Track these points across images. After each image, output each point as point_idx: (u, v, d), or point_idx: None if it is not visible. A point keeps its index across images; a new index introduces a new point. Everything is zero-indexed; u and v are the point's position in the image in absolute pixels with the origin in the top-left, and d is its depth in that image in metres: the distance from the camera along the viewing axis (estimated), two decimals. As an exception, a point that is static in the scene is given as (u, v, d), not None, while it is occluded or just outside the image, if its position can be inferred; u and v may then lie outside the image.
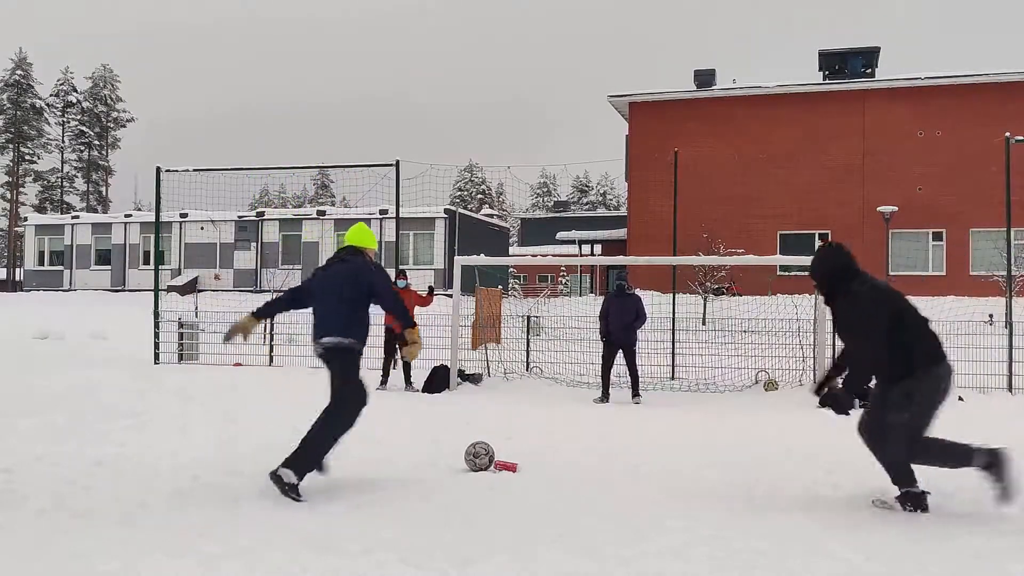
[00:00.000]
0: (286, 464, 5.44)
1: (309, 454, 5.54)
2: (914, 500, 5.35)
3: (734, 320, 15.16)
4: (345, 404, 5.66)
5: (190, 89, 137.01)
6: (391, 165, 13.47)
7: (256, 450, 7.08)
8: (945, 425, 8.82)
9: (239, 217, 36.93)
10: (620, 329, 11.31)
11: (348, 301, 5.69)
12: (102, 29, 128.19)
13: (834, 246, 5.78)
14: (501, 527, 4.82)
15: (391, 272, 13.00)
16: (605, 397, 11.23)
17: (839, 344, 12.02)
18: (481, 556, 4.29)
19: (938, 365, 5.48)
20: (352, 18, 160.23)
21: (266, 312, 6.07)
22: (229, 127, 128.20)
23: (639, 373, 11.48)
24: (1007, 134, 12.30)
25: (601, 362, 11.45)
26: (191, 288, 34.25)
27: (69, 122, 64.34)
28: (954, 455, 5.33)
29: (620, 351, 11.35)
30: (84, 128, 64.32)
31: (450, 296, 13.13)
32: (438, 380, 11.68)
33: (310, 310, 5.91)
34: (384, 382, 11.87)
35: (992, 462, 5.20)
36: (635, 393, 11.33)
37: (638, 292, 12.32)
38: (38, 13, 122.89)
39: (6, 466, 6.07)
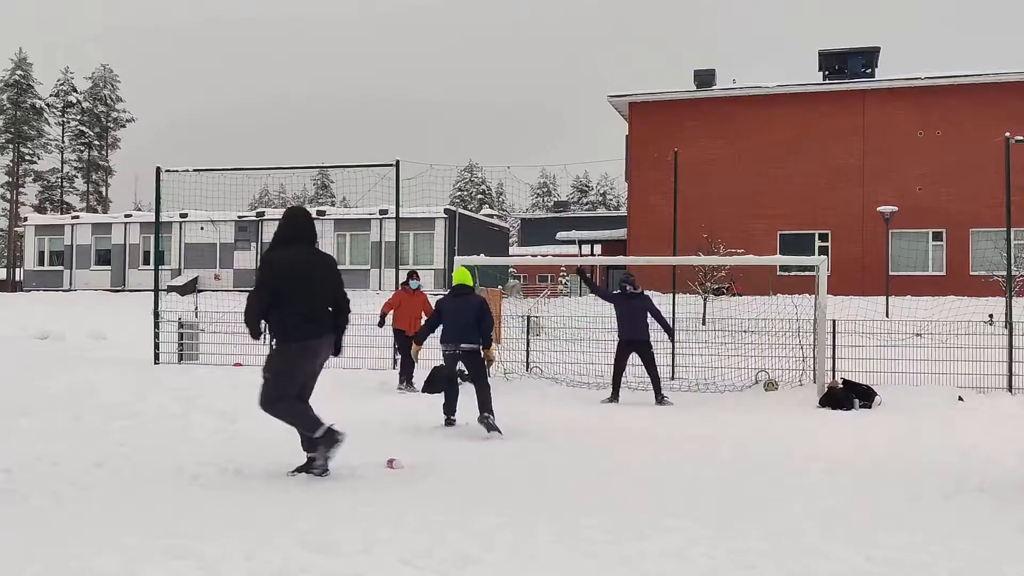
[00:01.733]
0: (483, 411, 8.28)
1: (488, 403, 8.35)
2: (326, 441, 6.04)
3: (734, 320, 15.16)
4: (485, 375, 8.70)
5: (190, 89, 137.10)
6: (391, 165, 13.45)
7: (256, 450, 7.09)
8: (945, 425, 8.84)
9: (239, 217, 36.91)
10: (634, 329, 11.23)
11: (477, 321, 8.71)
12: (102, 29, 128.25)
13: (296, 210, 6.61)
14: (501, 527, 4.82)
15: (403, 274, 13.07)
16: (615, 397, 11.20)
17: (839, 343, 12.07)
18: (481, 556, 4.29)
19: (296, 342, 6.17)
20: (352, 18, 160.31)
21: (423, 336, 9.57)
22: (229, 127, 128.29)
23: (659, 374, 11.36)
24: (1007, 134, 12.29)
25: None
26: (191, 288, 34.25)
27: (69, 122, 64.32)
28: (304, 424, 6.16)
29: (635, 353, 11.26)
30: (84, 128, 64.30)
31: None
32: (438, 380, 11.66)
33: None
34: (408, 383, 11.84)
35: (323, 442, 6.06)
36: (658, 396, 11.11)
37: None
38: (38, 13, 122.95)
39: (6, 466, 6.07)
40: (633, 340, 11.24)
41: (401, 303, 12.35)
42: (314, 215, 29.64)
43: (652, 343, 11.35)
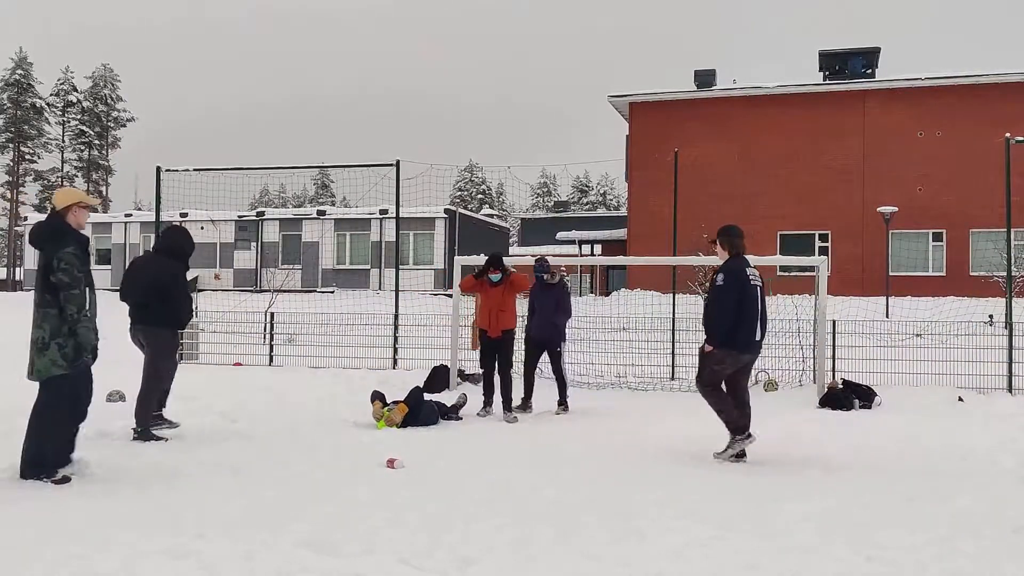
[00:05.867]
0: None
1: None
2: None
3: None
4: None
5: (190, 89, 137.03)
6: (391, 165, 13.44)
7: (256, 450, 7.09)
8: (945, 425, 8.84)
9: (239, 217, 36.90)
10: (539, 325, 9.94)
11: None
12: (102, 27, 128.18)
13: (166, 228, 8.40)
14: (501, 527, 4.82)
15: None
16: (526, 404, 9.84)
17: (839, 344, 12.07)
18: (481, 556, 4.29)
19: None
20: (353, 19, 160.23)
21: None
22: (229, 127, 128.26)
23: (566, 378, 10.11)
24: (1007, 134, 12.29)
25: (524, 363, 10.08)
26: (191, 287, 34.19)
27: (69, 122, 64.31)
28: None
29: (545, 351, 10.02)
30: (84, 128, 64.29)
31: (450, 296, 13.11)
32: (438, 379, 11.66)
33: None
34: (490, 403, 9.68)
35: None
36: (560, 401, 9.93)
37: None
38: (39, 12, 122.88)
39: (6, 466, 6.07)
40: (544, 338, 9.96)
41: (479, 292, 9.97)
42: (315, 215, 29.51)
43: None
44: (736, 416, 7.02)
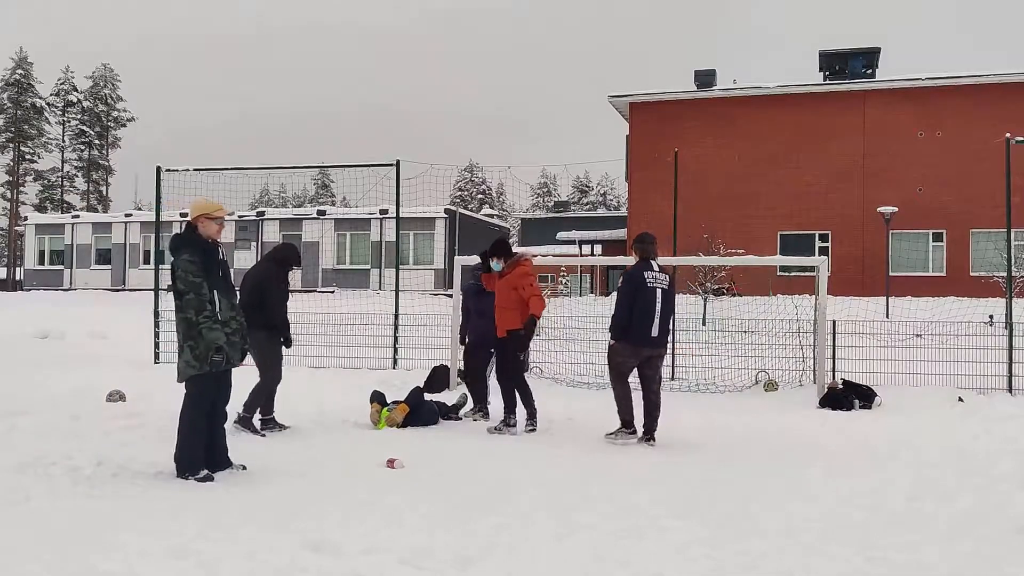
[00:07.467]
0: None
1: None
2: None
3: (734, 320, 15.14)
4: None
5: (190, 88, 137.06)
6: (391, 165, 13.44)
7: (256, 450, 7.09)
8: (945, 426, 8.83)
9: (239, 217, 36.90)
10: (485, 328, 8.98)
11: None
12: (103, 25, 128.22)
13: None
14: (501, 527, 4.82)
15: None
16: (487, 415, 9.23)
17: (839, 344, 12.08)
18: (481, 556, 4.29)
19: None
20: (353, 18, 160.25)
21: None
22: (230, 126, 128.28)
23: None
24: (1007, 134, 12.29)
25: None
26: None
27: (69, 121, 64.37)
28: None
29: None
30: (84, 127, 64.34)
31: (450, 296, 13.11)
32: (438, 380, 11.65)
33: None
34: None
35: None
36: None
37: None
38: (41, 13, 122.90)
39: (6, 465, 6.07)
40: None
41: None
42: (315, 215, 29.76)
43: None
44: (628, 411, 7.85)
